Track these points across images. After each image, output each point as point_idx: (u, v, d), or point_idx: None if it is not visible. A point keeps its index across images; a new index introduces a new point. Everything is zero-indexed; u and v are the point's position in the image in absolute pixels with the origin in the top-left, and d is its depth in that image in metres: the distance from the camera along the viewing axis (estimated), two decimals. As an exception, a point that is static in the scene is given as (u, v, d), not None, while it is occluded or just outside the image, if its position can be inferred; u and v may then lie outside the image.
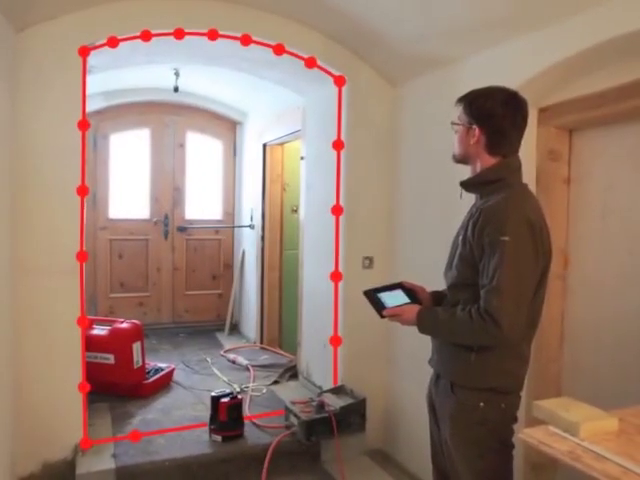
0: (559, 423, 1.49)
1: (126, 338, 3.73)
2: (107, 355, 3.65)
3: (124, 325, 3.82)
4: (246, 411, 3.45)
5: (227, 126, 6.03)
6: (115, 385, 3.71)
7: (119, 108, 5.44)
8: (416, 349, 3.13)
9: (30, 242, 2.74)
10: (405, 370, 3.28)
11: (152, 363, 4.18)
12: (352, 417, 3.32)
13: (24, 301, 2.73)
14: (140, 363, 3.79)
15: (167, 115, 5.73)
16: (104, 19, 2.82)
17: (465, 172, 1.92)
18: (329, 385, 3.51)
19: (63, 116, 2.79)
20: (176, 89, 4.72)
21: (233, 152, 6.06)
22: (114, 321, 3.91)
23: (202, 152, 5.96)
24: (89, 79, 2.93)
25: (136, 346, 3.76)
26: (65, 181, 2.81)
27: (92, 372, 3.30)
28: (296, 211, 4.88)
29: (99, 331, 3.78)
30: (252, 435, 3.20)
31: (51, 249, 2.79)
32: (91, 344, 3.45)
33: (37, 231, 2.76)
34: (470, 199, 1.92)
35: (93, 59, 2.93)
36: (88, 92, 2.89)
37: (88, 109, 2.89)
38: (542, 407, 1.57)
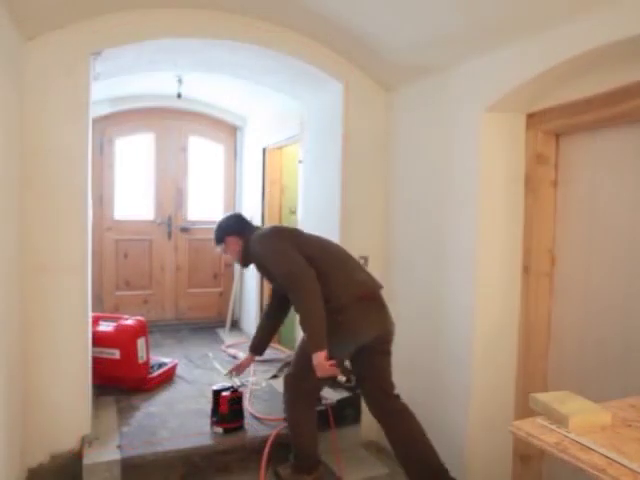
0: (553, 415, 1.48)
1: (131, 334, 3.72)
2: (113, 350, 3.64)
3: (129, 322, 3.81)
4: (246, 404, 3.43)
5: (228, 130, 6.01)
6: (120, 379, 3.69)
7: (124, 114, 5.42)
8: (411, 344, 3.13)
9: (38, 242, 2.73)
10: (400, 365, 3.27)
11: (156, 358, 4.17)
12: (348, 410, 3.33)
13: (32, 299, 2.71)
14: (144, 358, 3.77)
15: (170, 120, 5.70)
16: (109, 28, 2.80)
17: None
18: (326, 379, 3.49)
19: (70, 121, 2.77)
20: (179, 95, 4.71)
21: (234, 155, 6.04)
22: (119, 318, 3.90)
23: (204, 155, 5.94)
24: (95, 86, 2.91)
25: (141, 342, 3.75)
26: (72, 184, 2.78)
27: (98, 366, 3.29)
28: (294, 212, 4.87)
29: (105, 327, 3.76)
30: (252, 427, 3.19)
31: (58, 248, 2.78)
32: (97, 340, 3.45)
33: (46, 232, 2.74)
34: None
35: (99, 66, 2.91)
36: (95, 98, 2.87)
37: (95, 115, 2.87)
38: (537, 400, 1.57)
